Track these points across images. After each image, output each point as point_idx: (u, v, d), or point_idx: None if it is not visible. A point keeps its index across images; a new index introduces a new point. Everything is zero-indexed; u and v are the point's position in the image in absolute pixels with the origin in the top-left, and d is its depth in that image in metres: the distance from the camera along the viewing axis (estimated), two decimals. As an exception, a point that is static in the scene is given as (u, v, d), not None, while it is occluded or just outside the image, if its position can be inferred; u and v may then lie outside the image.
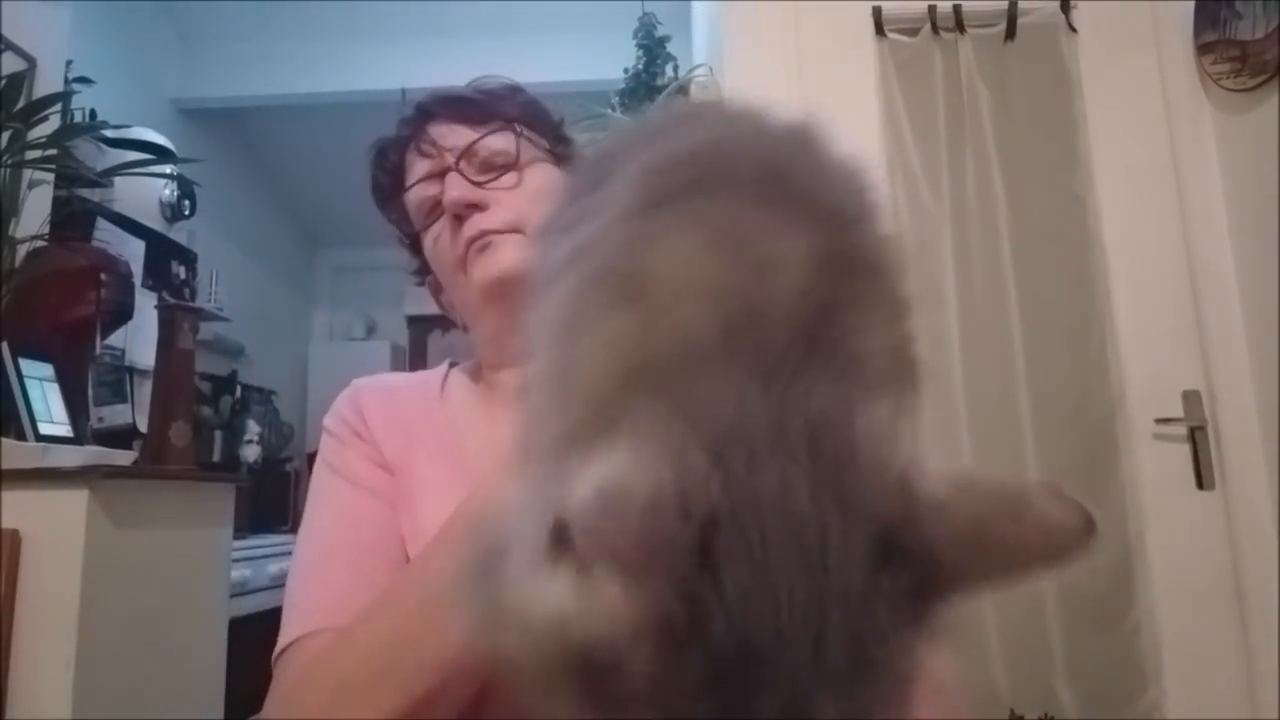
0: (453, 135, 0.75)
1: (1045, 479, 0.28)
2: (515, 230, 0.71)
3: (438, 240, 0.74)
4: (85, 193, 2.47)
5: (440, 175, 0.74)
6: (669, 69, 2.49)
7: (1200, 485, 1.84)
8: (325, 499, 0.71)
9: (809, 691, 0.24)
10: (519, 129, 0.76)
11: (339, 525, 0.69)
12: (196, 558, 1.92)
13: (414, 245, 0.79)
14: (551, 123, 0.81)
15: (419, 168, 0.76)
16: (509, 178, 0.73)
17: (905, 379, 0.32)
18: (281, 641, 0.62)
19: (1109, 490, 1.83)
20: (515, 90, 0.80)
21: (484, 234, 0.71)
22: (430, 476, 0.70)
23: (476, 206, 0.72)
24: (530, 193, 0.73)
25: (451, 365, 0.83)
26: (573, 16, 3.65)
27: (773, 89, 2.03)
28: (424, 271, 0.81)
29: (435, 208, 0.75)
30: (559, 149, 0.79)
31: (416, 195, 0.76)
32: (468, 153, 0.74)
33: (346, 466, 0.72)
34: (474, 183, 0.72)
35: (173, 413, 1.90)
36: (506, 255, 0.70)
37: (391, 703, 0.51)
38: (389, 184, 0.80)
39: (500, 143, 0.74)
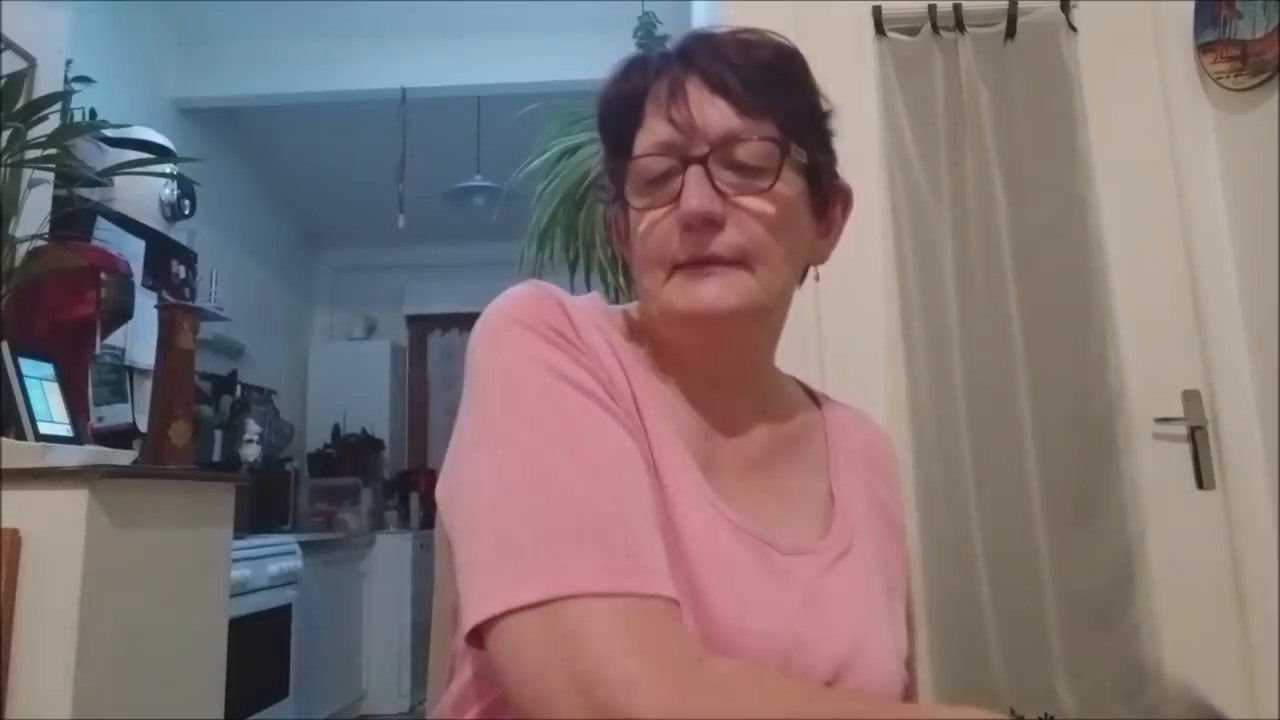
0: (713, 111, 0.63)
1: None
2: (741, 262, 0.62)
3: (653, 228, 0.64)
4: (85, 192, 2.46)
5: (681, 157, 0.62)
6: (669, 69, 2.49)
7: (1200, 485, 1.84)
8: (578, 415, 0.56)
9: None
10: (789, 141, 0.63)
11: (616, 461, 0.55)
12: (196, 558, 1.91)
13: (621, 182, 0.67)
14: (820, 124, 0.69)
15: (658, 129, 0.64)
16: (758, 195, 0.62)
17: None
18: (570, 581, 0.48)
19: (1109, 490, 1.83)
20: (794, 68, 0.67)
21: (712, 260, 0.61)
22: (670, 454, 0.60)
23: (713, 224, 0.61)
24: (773, 213, 0.63)
25: (609, 305, 0.70)
26: (573, 16, 3.66)
27: (773, 89, 2.03)
28: (618, 203, 0.69)
29: (657, 184, 0.64)
30: (818, 155, 0.67)
31: (645, 163, 0.64)
32: (723, 149, 0.62)
33: (587, 385, 0.58)
34: (719, 191, 0.61)
35: (173, 412, 1.89)
36: (722, 295, 0.61)
37: None
38: (620, 108, 0.68)
39: (763, 145, 0.63)
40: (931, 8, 2.01)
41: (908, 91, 2.00)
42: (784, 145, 0.63)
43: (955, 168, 1.96)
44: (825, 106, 0.70)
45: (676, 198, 0.62)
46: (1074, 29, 2.02)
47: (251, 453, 3.80)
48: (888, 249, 1.96)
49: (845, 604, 0.63)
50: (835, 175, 0.71)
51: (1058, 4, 2.01)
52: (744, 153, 0.62)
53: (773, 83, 0.64)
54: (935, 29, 2.01)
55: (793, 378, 0.80)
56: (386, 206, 4.13)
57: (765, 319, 0.66)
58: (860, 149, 2.00)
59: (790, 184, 0.64)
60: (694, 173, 0.61)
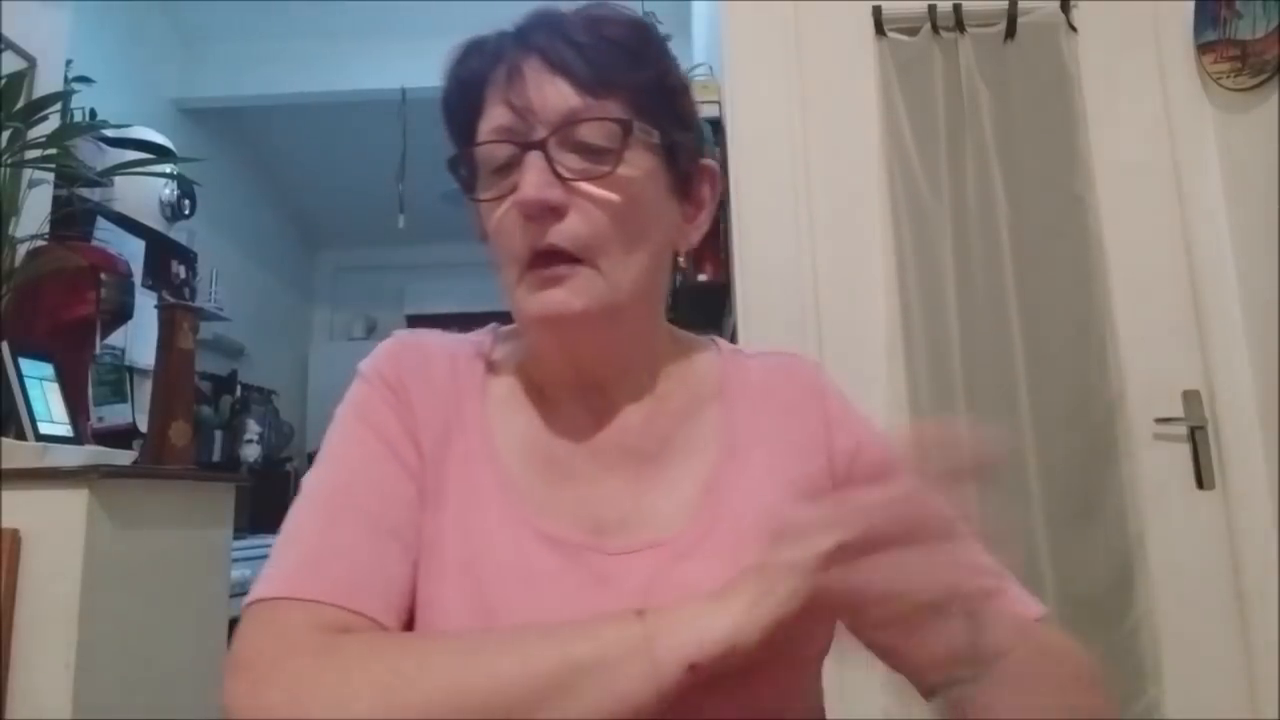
0: (552, 91, 0.59)
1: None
2: (588, 257, 0.59)
3: (499, 223, 0.61)
4: (85, 192, 2.47)
5: (520, 144, 0.59)
6: (669, 69, 2.48)
7: (1200, 485, 1.84)
8: (357, 452, 0.63)
9: None
10: (633, 121, 0.60)
11: (369, 491, 0.61)
12: (196, 558, 1.91)
13: (468, 175, 0.65)
14: (676, 100, 0.65)
15: (496, 114, 0.61)
16: (600, 180, 0.59)
17: None
18: (266, 588, 0.55)
19: (1109, 490, 1.83)
20: (645, 43, 0.63)
21: (553, 253, 0.59)
22: (460, 488, 0.63)
23: (554, 211, 0.59)
24: (617, 199, 0.60)
25: (496, 332, 0.72)
26: (573, 16, 3.65)
27: (773, 89, 2.04)
28: (469, 197, 0.66)
29: (501, 174, 0.61)
30: (674, 134, 0.64)
31: (485, 151, 0.62)
32: (563, 131, 0.59)
33: (385, 429, 0.64)
34: (558, 176, 0.59)
35: (173, 412, 1.89)
36: (570, 298, 0.59)
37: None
38: (459, 96, 0.65)
39: (606, 125, 0.59)
40: (931, 8, 2.01)
41: (908, 91, 2.00)
42: (627, 125, 0.59)
43: (955, 168, 1.96)
44: (681, 82, 0.66)
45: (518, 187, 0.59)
46: (1074, 29, 2.01)
47: (251, 453, 3.80)
48: (888, 249, 1.96)
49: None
50: (699, 154, 0.67)
51: (1058, 4, 2.01)
52: (586, 133, 0.59)
53: (619, 59, 0.60)
54: (935, 29, 2.01)
55: (712, 341, 0.75)
56: (386, 206, 4.12)
57: (620, 316, 0.62)
58: (860, 149, 2.00)
59: (638, 165, 0.61)
60: (531, 159, 0.59)
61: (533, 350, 0.68)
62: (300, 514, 0.60)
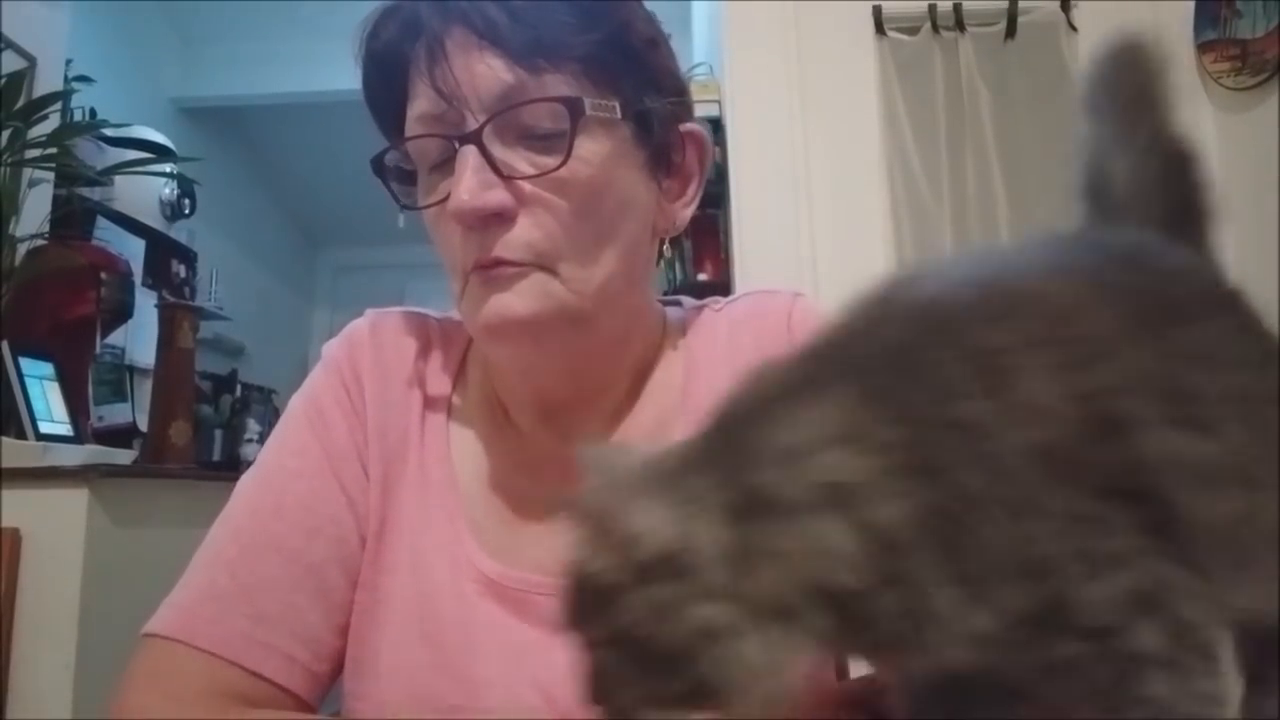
0: (483, 69, 0.49)
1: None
2: (539, 264, 0.50)
3: (439, 232, 0.54)
4: (85, 191, 2.47)
5: (450, 137, 0.50)
6: (669, 69, 2.48)
7: (1200, 485, 1.84)
8: (295, 464, 0.58)
9: None
10: (583, 99, 0.49)
11: (297, 516, 0.56)
12: (196, 557, 1.91)
13: (402, 165, 0.57)
14: (641, 59, 0.54)
15: (422, 101, 0.52)
16: (550, 175, 0.49)
17: None
18: (169, 621, 0.53)
19: (1109, 490, 1.83)
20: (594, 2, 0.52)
21: (499, 264, 0.50)
22: (413, 519, 0.57)
23: (499, 217, 0.49)
24: (573, 197, 0.50)
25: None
26: (573, 16, 3.65)
27: (773, 89, 2.04)
28: (407, 197, 0.58)
29: (440, 172, 0.53)
30: (644, 100, 0.53)
31: (416, 147, 0.54)
32: (504, 115, 0.49)
33: (332, 439, 0.58)
34: (499, 173, 0.49)
35: (173, 412, 1.89)
36: (519, 303, 0.50)
37: None
38: (377, 78, 0.58)
39: (549, 106, 0.49)
40: (932, 7, 2.01)
41: (908, 91, 2.00)
42: (576, 104, 0.49)
43: (955, 168, 1.97)
44: (647, 36, 0.55)
45: None
46: (1074, 29, 2.02)
47: (252, 452, 3.79)
48: (888, 248, 1.96)
49: None
50: (678, 118, 0.57)
51: (1058, 4, 2.01)
52: (529, 117, 0.50)
53: (563, 18, 0.50)
54: (935, 29, 2.01)
55: (679, 331, 0.64)
56: (386, 206, 4.12)
57: (587, 326, 0.52)
58: (860, 149, 2.00)
59: (597, 148, 0.51)
60: (465, 155, 0.49)
61: (496, 368, 0.60)
62: (223, 531, 0.57)
